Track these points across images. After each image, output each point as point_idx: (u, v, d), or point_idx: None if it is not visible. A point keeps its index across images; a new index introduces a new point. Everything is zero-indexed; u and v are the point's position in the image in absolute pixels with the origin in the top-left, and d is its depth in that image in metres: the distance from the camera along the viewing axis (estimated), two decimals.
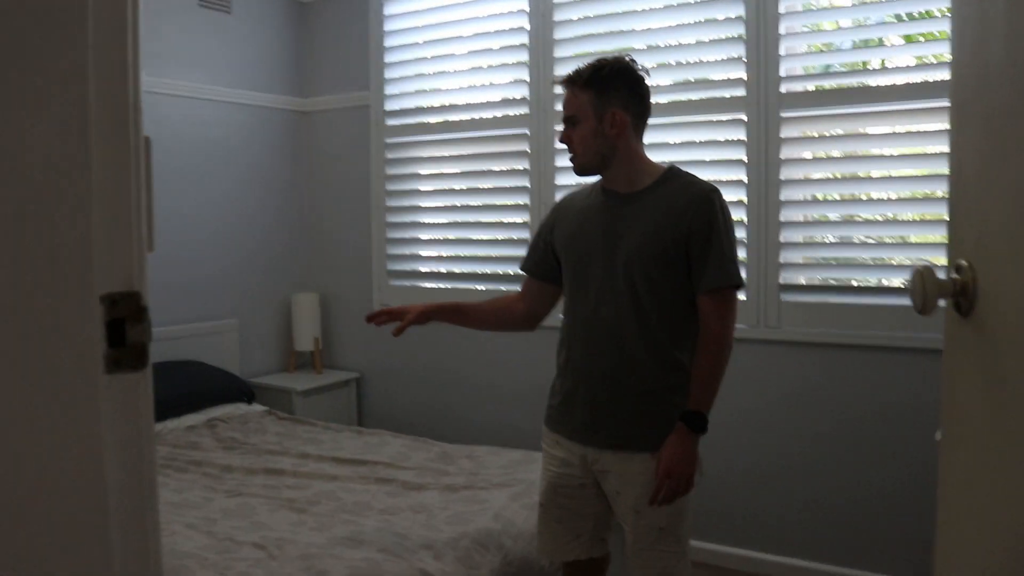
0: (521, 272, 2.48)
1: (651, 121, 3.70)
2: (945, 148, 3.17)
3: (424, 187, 4.54)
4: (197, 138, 4.35)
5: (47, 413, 0.69)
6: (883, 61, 3.48)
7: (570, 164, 2.25)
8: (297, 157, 4.92)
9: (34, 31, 0.69)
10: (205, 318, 4.42)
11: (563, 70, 3.96)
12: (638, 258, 2.13)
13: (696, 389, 2.13)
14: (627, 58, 2.20)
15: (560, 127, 2.26)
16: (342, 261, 4.85)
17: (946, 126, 2.76)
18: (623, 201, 2.20)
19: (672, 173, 2.21)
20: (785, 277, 3.53)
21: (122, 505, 0.72)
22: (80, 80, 0.71)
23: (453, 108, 4.37)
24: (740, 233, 3.56)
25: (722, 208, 2.14)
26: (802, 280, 3.56)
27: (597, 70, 2.15)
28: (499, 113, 4.21)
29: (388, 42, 4.56)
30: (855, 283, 3.46)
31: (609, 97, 2.14)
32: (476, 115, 4.29)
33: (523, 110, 4.10)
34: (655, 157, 3.68)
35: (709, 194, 2.13)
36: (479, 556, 2.54)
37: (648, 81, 2.22)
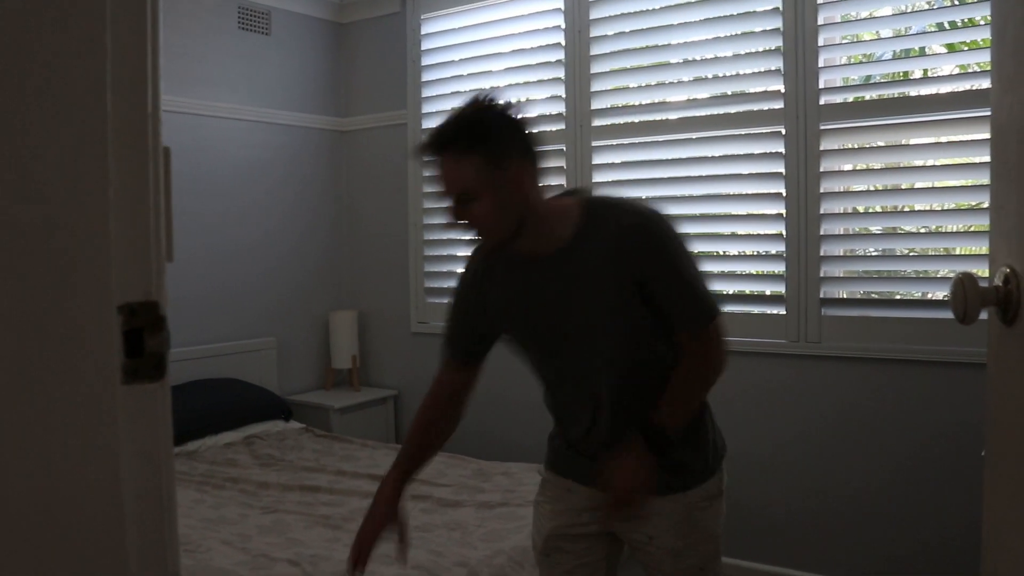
0: (451, 359, 2.04)
1: (688, 135, 3.73)
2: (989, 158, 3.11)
3: None
4: (238, 158, 4.40)
5: (64, 423, 0.69)
6: (925, 71, 3.43)
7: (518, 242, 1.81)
8: (335, 176, 4.95)
9: (53, 40, 0.69)
10: (244, 336, 4.45)
11: (600, 85, 3.96)
12: (603, 322, 1.82)
13: (669, 408, 1.84)
14: (486, 98, 1.78)
15: (444, 202, 1.78)
16: (380, 279, 4.86)
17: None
18: (552, 263, 1.82)
19: (594, 210, 1.82)
20: (826, 291, 3.47)
21: (139, 515, 0.71)
22: (99, 89, 0.71)
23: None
24: (779, 246, 3.52)
25: (668, 233, 1.81)
26: (843, 294, 3.51)
27: (473, 125, 1.72)
28: (535, 130, 4.19)
29: (425, 61, 4.58)
30: (898, 296, 3.39)
31: (502, 152, 1.71)
32: None
33: (560, 126, 4.09)
34: (694, 171, 3.68)
35: (648, 223, 1.79)
36: (514, 574, 2.51)
37: (522, 115, 1.80)
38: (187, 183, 4.05)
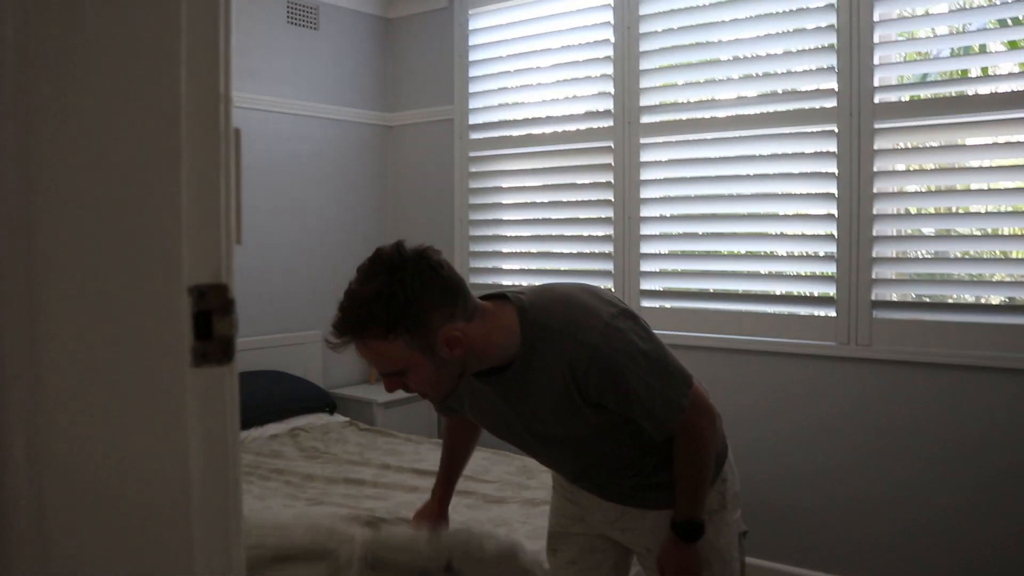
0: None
1: (738, 133, 3.68)
2: None
3: (507, 200, 4.54)
4: (285, 152, 4.43)
5: (133, 405, 0.69)
6: (984, 69, 3.35)
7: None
8: (382, 170, 4.97)
9: (126, 15, 0.69)
10: (289, 329, 4.48)
11: (649, 82, 3.92)
12: (566, 432, 1.77)
13: (685, 500, 1.81)
14: (390, 257, 1.62)
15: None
16: None
17: None
18: (504, 381, 1.71)
19: (532, 330, 1.67)
20: (877, 293, 3.41)
21: (206, 499, 0.71)
22: (173, 68, 0.71)
23: (536, 121, 4.36)
24: (830, 247, 3.47)
25: (620, 358, 1.65)
26: (894, 297, 3.45)
27: (389, 302, 1.53)
28: (583, 126, 4.19)
29: (473, 56, 4.58)
30: (951, 300, 3.33)
31: (426, 323, 1.55)
32: (560, 128, 4.27)
33: (607, 123, 4.06)
34: (743, 170, 3.62)
35: (596, 356, 1.64)
36: None
37: (430, 255, 1.62)
38: None
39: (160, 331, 0.70)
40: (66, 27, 0.67)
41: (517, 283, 4.55)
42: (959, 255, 3.33)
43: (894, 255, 3.44)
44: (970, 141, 3.23)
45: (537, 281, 4.40)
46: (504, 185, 4.54)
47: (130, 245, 0.69)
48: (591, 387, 1.66)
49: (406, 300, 1.54)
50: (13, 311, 0.65)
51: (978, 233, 3.29)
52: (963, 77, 3.32)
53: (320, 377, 4.57)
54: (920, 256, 3.44)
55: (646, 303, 3.97)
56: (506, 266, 4.56)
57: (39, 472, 0.65)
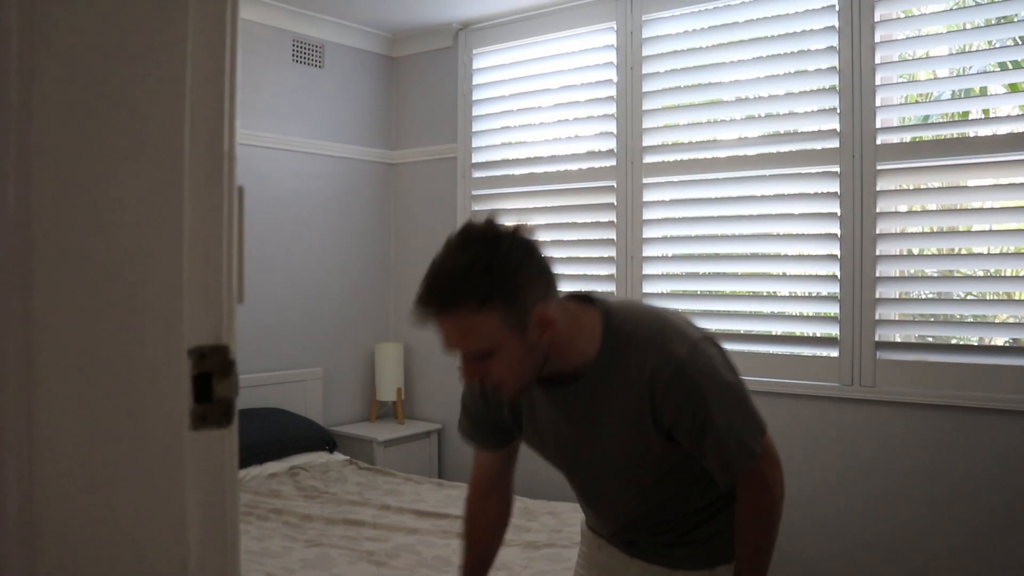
0: (470, 442, 1.84)
1: (740, 173, 3.69)
2: None
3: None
4: (287, 189, 4.44)
5: (131, 469, 0.68)
6: (986, 111, 3.36)
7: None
8: (384, 208, 4.97)
9: (133, 76, 0.68)
10: (290, 366, 4.46)
11: (652, 122, 3.94)
12: (627, 457, 1.62)
13: (746, 566, 1.63)
14: (489, 226, 1.48)
15: (452, 356, 1.56)
16: None
17: None
18: (574, 391, 1.60)
19: (618, 336, 1.57)
20: (881, 334, 3.40)
21: (204, 564, 0.69)
22: (177, 127, 0.70)
23: (539, 160, 4.37)
24: (833, 287, 3.46)
25: (706, 379, 1.53)
26: (898, 337, 3.43)
27: (489, 270, 1.41)
28: (585, 165, 4.20)
29: (476, 95, 4.60)
30: (954, 341, 3.31)
31: (522, 298, 1.43)
32: (562, 167, 4.28)
33: (610, 162, 4.07)
34: (746, 210, 3.63)
35: (683, 371, 1.52)
36: None
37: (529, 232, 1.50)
38: None
39: (159, 393, 0.69)
40: (71, 84, 0.67)
41: None
42: (962, 296, 3.32)
43: (897, 296, 3.43)
44: (972, 182, 3.23)
45: None
46: (507, 223, 4.53)
47: (130, 306, 0.68)
48: (668, 406, 1.52)
49: (503, 270, 1.41)
50: (10, 374, 0.64)
51: (981, 274, 3.28)
52: (964, 119, 3.32)
53: (320, 415, 4.54)
54: (923, 297, 3.43)
55: None
56: None
57: (33, 539, 0.64)
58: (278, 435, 4.07)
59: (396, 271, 4.99)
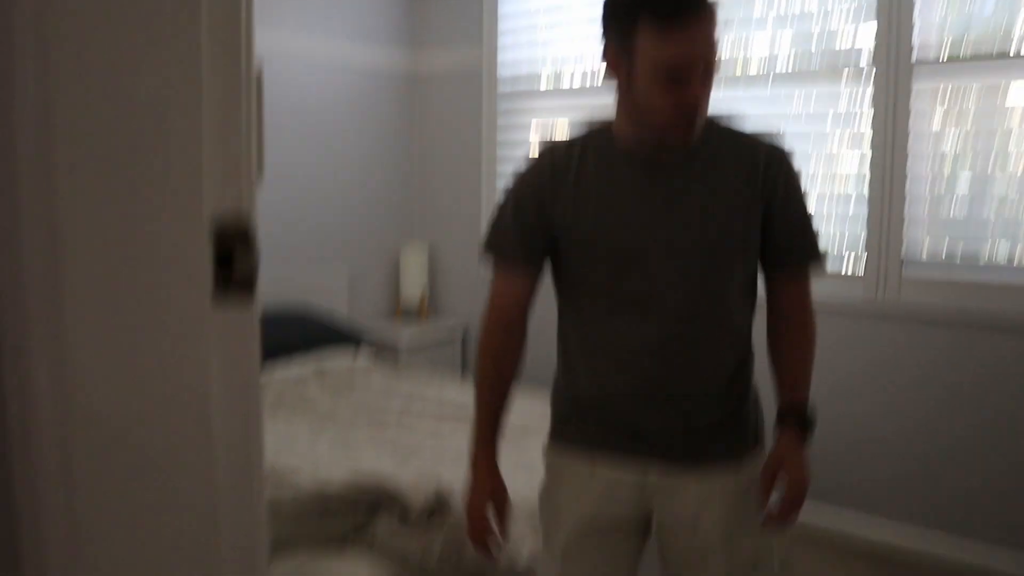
0: (503, 264, 1.72)
1: (770, 90, 3.61)
2: None
3: (535, 136, 4.50)
4: (310, 89, 4.39)
5: (156, 340, 0.69)
6: None
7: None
8: (409, 109, 4.92)
9: None
10: (315, 266, 4.49)
11: None
12: (715, 236, 1.57)
13: (801, 380, 1.66)
14: None
15: (672, 82, 1.46)
16: (451, 212, 4.85)
17: None
18: (678, 165, 1.59)
19: (717, 119, 1.63)
20: (908, 250, 3.37)
21: (227, 434, 0.71)
22: (194, 10, 0.69)
23: (567, 63, 4.29)
24: (860, 202, 3.43)
25: (796, 168, 1.65)
26: (924, 254, 3.39)
27: None
28: None
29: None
30: (984, 259, 3.26)
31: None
32: (591, 71, 4.20)
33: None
34: (775, 125, 3.58)
35: (785, 152, 1.62)
36: None
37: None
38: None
39: (182, 268, 0.70)
40: None
41: None
42: (993, 213, 3.26)
43: (926, 213, 3.38)
44: (1009, 99, 3.14)
45: None
46: (534, 128, 4.49)
47: (153, 183, 0.69)
48: (780, 182, 1.59)
49: None
50: (35, 248, 0.65)
51: (1014, 192, 3.22)
52: (1004, 35, 3.19)
53: (346, 314, 4.59)
54: (953, 215, 3.37)
55: None
56: (527, 165, 4.51)
57: (65, 404, 0.65)
58: (304, 333, 4.12)
59: (421, 171, 4.97)
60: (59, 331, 0.66)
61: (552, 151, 1.68)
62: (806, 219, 1.66)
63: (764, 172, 1.58)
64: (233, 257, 0.71)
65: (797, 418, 1.63)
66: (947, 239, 3.34)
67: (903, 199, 3.32)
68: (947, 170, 3.31)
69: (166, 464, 0.69)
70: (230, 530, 0.72)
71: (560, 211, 1.63)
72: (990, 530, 3.23)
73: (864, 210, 3.43)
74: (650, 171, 1.59)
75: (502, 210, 1.71)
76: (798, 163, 1.65)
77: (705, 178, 1.58)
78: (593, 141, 1.65)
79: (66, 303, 0.66)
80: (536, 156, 1.71)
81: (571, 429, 1.72)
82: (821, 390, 3.23)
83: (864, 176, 3.41)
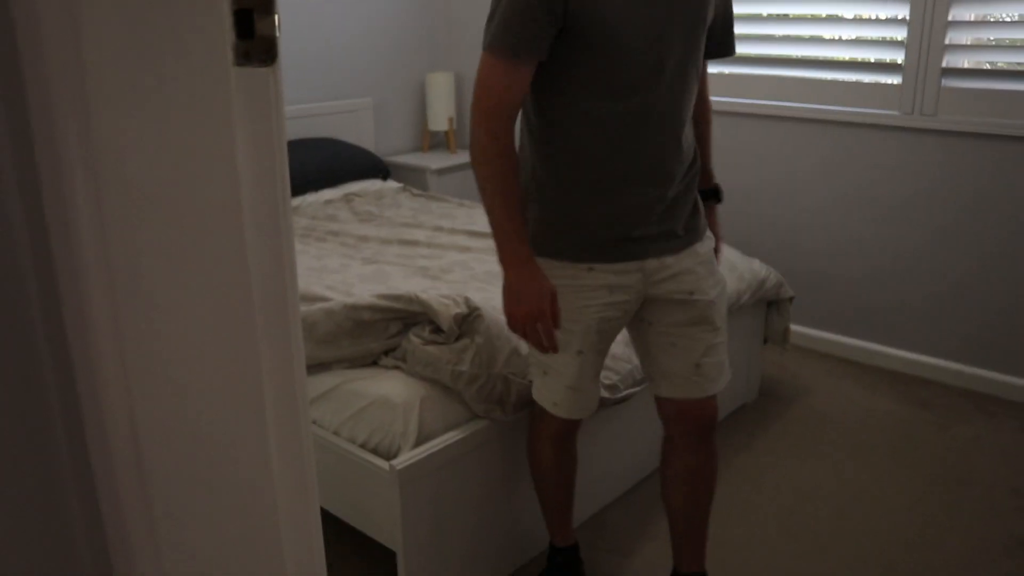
0: (517, 58, 1.71)
1: None
2: None
3: None
4: None
5: (177, 106, 0.69)
6: None
7: None
8: None
9: None
10: (340, 97, 4.45)
11: None
12: (701, 29, 1.77)
13: (709, 160, 2.09)
14: None
15: None
16: (477, 40, 4.72)
17: None
18: None
19: None
20: (949, 60, 3.25)
21: (256, 199, 0.72)
22: None
23: None
24: (903, 10, 3.29)
25: None
26: (966, 64, 3.29)
27: None
28: None
29: None
30: None
31: None
32: None
33: None
34: None
35: None
36: None
37: None
38: None
39: (200, 29, 0.69)
40: None
41: None
42: None
43: (973, 18, 3.25)
44: None
45: None
46: None
47: None
48: None
49: None
50: (50, 5, 0.64)
51: None
52: None
53: (373, 145, 4.57)
54: (1003, 20, 3.24)
55: None
56: None
57: (93, 171, 0.66)
58: (332, 163, 4.12)
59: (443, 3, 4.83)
60: (83, 87, 0.66)
61: None
62: (732, 17, 1.97)
63: None
64: (254, 19, 0.70)
65: (717, 197, 2.10)
66: (993, 47, 3.22)
67: (948, 2, 3.20)
68: None
69: (195, 221, 0.70)
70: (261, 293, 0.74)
71: (582, 7, 1.66)
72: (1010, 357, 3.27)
73: (907, 13, 3.31)
74: None
75: (515, 2, 1.67)
76: None
77: None
78: None
79: (88, 65, 0.66)
80: None
81: (588, 247, 1.85)
82: (843, 205, 3.20)
83: None
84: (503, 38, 1.70)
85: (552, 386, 1.96)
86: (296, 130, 4.19)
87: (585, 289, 1.85)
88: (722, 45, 1.96)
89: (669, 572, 2.19)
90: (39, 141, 0.67)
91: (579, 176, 1.81)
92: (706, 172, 2.07)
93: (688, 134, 1.87)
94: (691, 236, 1.92)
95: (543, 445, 2.12)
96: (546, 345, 1.81)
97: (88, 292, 0.67)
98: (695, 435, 2.00)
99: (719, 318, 1.93)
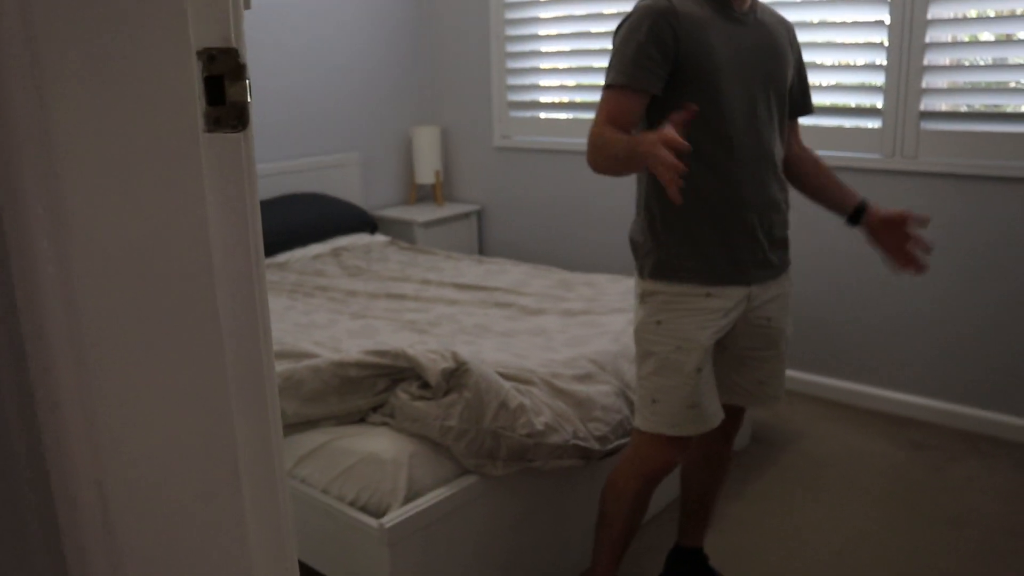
0: (634, 91, 1.87)
1: None
2: None
3: (544, 14, 4.39)
4: None
5: (148, 173, 0.69)
6: None
7: None
8: None
9: None
10: (328, 151, 4.47)
11: None
12: (784, 81, 2.03)
13: (845, 186, 2.27)
14: None
15: None
16: (462, 93, 4.79)
17: None
18: (745, 19, 1.96)
19: None
20: (927, 103, 3.29)
21: (228, 266, 0.72)
22: None
23: None
24: (879, 56, 3.34)
25: None
26: (944, 107, 3.32)
27: None
28: None
29: None
30: (1008, 109, 3.20)
31: None
32: None
33: None
34: None
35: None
36: (597, 372, 2.56)
37: None
38: None
39: (170, 96, 0.69)
40: None
41: (555, 100, 4.47)
42: (1020, 61, 3.18)
43: (948, 63, 3.30)
44: None
45: (577, 97, 4.32)
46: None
47: (135, 8, 0.68)
48: (795, 43, 2.10)
49: None
50: (17, 77, 0.64)
51: None
52: None
53: (360, 199, 4.59)
54: (977, 64, 3.29)
55: None
56: (544, 82, 4.46)
57: (61, 234, 0.66)
58: (320, 218, 4.14)
59: (431, 53, 4.88)
60: (51, 159, 0.66)
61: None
62: (807, 80, 2.19)
63: (794, 44, 2.09)
64: (224, 86, 0.70)
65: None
66: (969, 90, 3.27)
67: (923, 47, 3.24)
68: (972, 13, 3.19)
69: (168, 293, 0.70)
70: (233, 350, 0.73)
71: (682, 47, 1.87)
72: (1016, 398, 3.26)
73: (884, 58, 3.34)
74: (729, 25, 1.93)
75: (632, 41, 1.86)
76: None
77: (765, 35, 1.98)
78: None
79: (55, 131, 0.66)
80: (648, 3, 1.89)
81: (700, 269, 1.99)
82: (835, 250, 3.20)
83: (884, 24, 3.31)
84: (614, 76, 1.89)
85: (666, 411, 2.01)
86: (284, 185, 4.21)
87: (703, 312, 1.99)
88: (801, 105, 2.18)
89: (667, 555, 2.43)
90: (6, 211, 0.66)
91: (690, 206, 1.92)
92: (849, 192, 2.23)
93: (780, 172, 2.08)
94: (784, 266, 2.14)
95: (634, 483, 2.11)
96: (678, 146, 1.68)
97: (54, 359, 0.67)
98: (723, 429, 2.18)
99: (785, 345, 2.16)
